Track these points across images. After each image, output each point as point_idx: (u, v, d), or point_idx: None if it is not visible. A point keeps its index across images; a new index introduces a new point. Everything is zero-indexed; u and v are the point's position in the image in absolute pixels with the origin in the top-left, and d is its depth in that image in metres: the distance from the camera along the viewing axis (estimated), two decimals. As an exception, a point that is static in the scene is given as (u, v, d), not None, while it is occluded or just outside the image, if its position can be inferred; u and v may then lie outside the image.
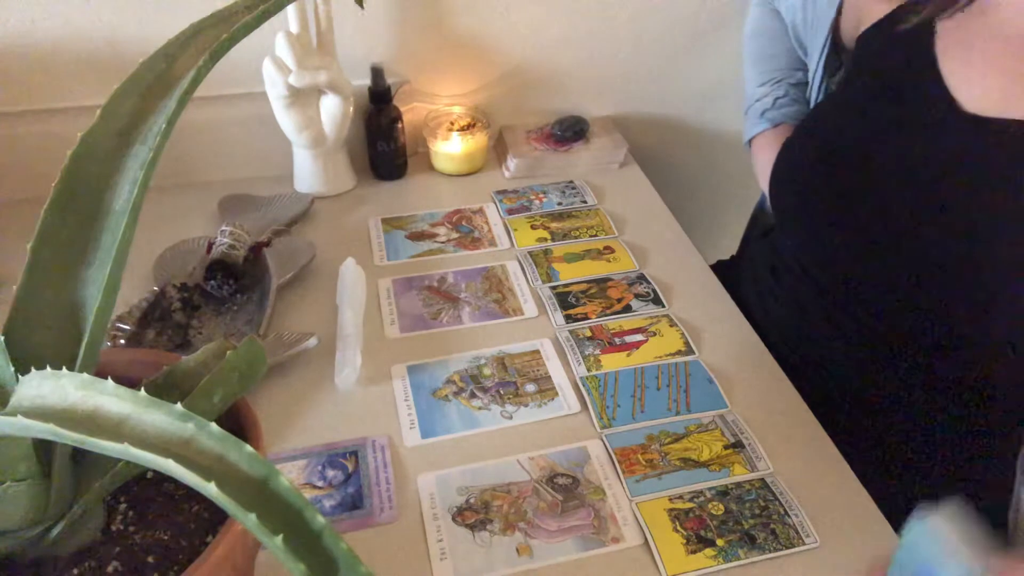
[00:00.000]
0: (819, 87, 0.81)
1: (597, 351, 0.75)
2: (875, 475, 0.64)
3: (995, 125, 0.59)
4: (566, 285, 0.84)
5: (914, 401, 0.71)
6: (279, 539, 0.27)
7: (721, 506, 0.61)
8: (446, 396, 0.71)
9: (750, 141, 0.91)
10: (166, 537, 0.42)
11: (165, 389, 0.42)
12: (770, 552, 0.58)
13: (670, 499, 0.62)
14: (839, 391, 0.74)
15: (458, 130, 1.01)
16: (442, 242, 0.91)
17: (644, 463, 0.64)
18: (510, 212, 0.96)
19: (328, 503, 0.61)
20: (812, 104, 0.83)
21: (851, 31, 0.74)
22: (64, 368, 0.34)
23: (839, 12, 0.76)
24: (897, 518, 0.61)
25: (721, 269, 0.89)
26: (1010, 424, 0.68)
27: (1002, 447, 0.69)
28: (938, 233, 0.62)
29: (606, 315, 0.80)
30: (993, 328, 0.61)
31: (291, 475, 0.63)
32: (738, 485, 0.63)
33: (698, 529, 0.59)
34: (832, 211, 0.70)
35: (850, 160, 0.68)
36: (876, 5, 0.70)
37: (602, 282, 0.85)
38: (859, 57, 0.71)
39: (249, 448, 0.31)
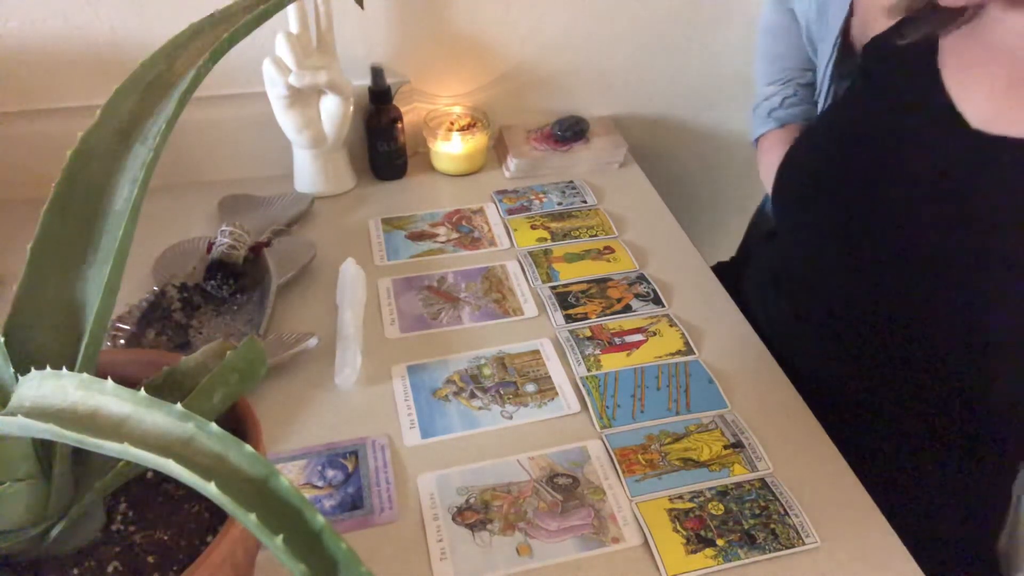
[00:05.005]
0: (827, 91, 0.80)
1: (597, 351, 0.75)
2: (873, 483, 0.64)
3: (1002, 142, 0.58)
4: (566, 285, 0.84)
5: (913, 416, 0.70)
6: (279, 539, 0.28)
7: (721, 506, 0.61)
8: (446, 396, 0.71)
9: (757, 140, 0.91)
10: (166, 537, 0.42)
11: (165, 389, 0.42)
12: (770, 552, 0.58)
13: (670, 499, 0.62)
14: (835, 400, 0.73)
15: (458, 130, 1.01)
16: (442, 242, 0.91)
17: (644, 463, 0.64)
18: (510, 212, 0.96)
19: (328, 503, 0.61)
20: (820, 107, 0.82)
21: (860, 38, 0.74)
22: (64, 368, 0.34)
23: (850, 16, 0.75)
24: (896, 520, 0.61)
25: (721, 270, 0.89)
26: (1006, 434, 0.68)
27: (999, 459, 0.69)
28: (940, 246, 0.61)
29: (606, 315, 0.80)
30: (993, 339, 0.61)
31: (291, 475, 0.63)
32: (738, 485, 0.63)
33: (698, 529, 0.59)
34: (834, 221, 0.69)
35: (852, 171, 0.68)
36: (881, 17, 0.69)
37: (602, 282, 0.85)
38: (864, 67, 0.71)
39: (249, 448, 0.31)
